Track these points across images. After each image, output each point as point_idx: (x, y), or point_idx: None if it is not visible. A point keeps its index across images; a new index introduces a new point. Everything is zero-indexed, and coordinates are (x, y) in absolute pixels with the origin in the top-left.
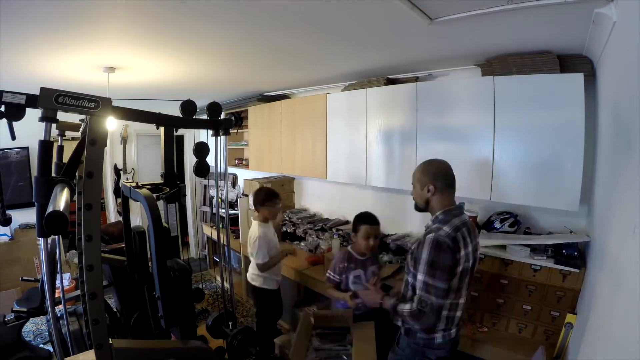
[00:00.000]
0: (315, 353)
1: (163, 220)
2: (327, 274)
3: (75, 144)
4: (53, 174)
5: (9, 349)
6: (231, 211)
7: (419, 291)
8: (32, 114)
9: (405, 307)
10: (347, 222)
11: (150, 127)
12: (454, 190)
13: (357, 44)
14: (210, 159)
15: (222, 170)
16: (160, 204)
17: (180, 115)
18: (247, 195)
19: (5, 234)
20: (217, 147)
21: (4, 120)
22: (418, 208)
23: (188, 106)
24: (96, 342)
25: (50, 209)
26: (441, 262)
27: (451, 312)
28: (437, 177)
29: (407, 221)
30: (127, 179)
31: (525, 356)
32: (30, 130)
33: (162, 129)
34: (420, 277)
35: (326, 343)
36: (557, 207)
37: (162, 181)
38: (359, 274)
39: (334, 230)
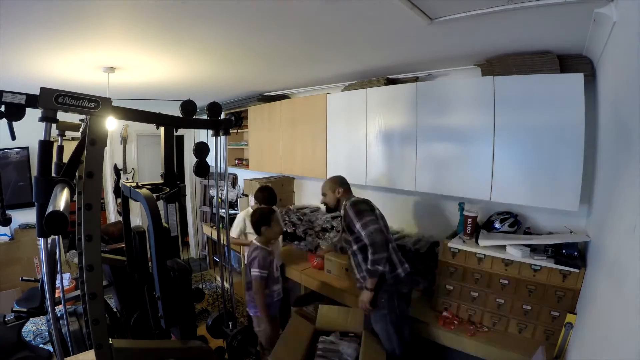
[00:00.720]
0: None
1: (163, 220)
2: (255, 272)
3: (75, 144)
4: (53, 174)
5: (9, 349)
6: (231, 211)
7: (367, 239)
8: (32, 114)
9: (369, 265)
10: None
11: (150, 127)
12: (350, 189)
13: (357, 44)
14: (210, 159)
15: (222, 170)
16: (160, 204)
17: (180, 115)
18: (247, 195)
19: (5, 234)
20: (217, 147)
21: (4, 120)
22: (330, 210)
23: (188, 106)
24: (96, 342)
25: (50, 209)
26: (364, 211)
27: (397, 254)
28: (341, 184)
29: (407, 221)
30: (127, 179)
31: (525, 356)
32: (30, 130)
33: (162, 129)
34: (362, 231)
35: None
36: (557, 207)
37: (162, 181)
38: (276, 262)
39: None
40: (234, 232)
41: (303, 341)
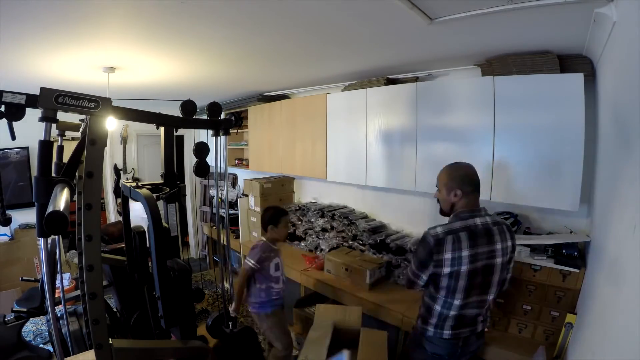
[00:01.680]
0: None
1: (163, 220)
2: (247, 262)
3: (75, 144)
4: (53, 174)
5: (9, 349)
6: (231, 211)
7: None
8: (32, 114)
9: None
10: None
11: (150, 127)
12: (479, 193)
13: (357, 44)
14: (210, 159)
15: (222, 170)
16: (161, 204)
17: (180, 115)
18: (247, 195)
19: (5, 234)
20: (217, 147)
21: (4, 120)
22: (443, 212)
23: (188, 106)
24: (96, 342)
25: (50, 209)
26: (418, 251)
27: (443, 310)
28: (464, 182)
29: (407, 221)
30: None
31: (525, 356)
32: (30, 130)
33: (162, 129)
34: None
35: None
36: (557, 207)
37: (162, 181)
38: (278, 262)
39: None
40: None
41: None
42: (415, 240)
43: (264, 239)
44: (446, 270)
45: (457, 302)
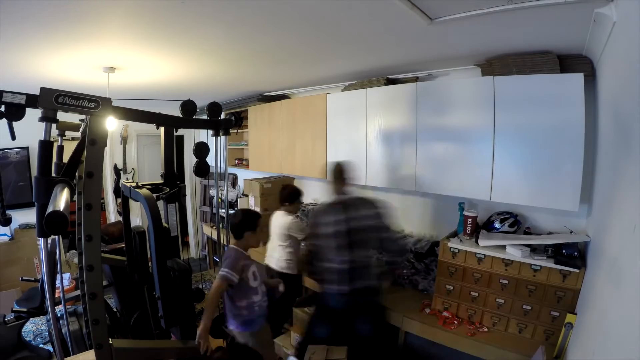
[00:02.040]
0: None
1: (163, 220)
2: (223, 272)
3: (75, 144)
4: (53, 174)
5: (9, 349)
6: (231, 211)
7: None
8: (32, 114)
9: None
10: None
11: (150, 127)
12: (340, 180)
13: (357, 44)
14: (210, 159)
15: (222, 170)
16: (160, 204)
17: (180, 115)
18: (247, 195)
19: (5, 234)
20: (217, 147)
21: (4, 120)
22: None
23: (188, 106)
24: (96, 342)
25: (50, 209)
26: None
27: (329, 265)
28: (330, 174)
29: (407, 221)
30: (127, 179)
31: (525, 356)
32: (30, 130)
33: (162, 129)
34: None
35: None
36: (557, 207)
37: (162, 181)
38: (254, 270)
39: None
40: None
41: None
42: (415, 240)
43: (235, 247)
44: (319, 230)
45: (333, 262)
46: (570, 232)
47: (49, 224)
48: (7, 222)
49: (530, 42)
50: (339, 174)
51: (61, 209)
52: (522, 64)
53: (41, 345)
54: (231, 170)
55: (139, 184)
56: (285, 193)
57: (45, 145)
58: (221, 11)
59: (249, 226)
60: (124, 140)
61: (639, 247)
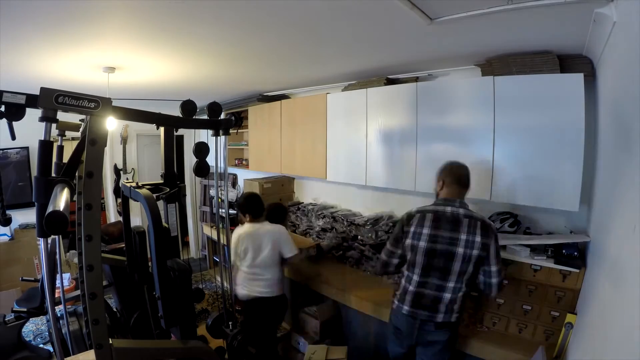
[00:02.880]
0: None
1: (163, 220)
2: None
3: (75, 144)
4: (53, 174)
5: (9, 349)
6: (231, 211)
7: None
8: (32, 114)
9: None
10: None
11: (150, 127)
12: (462, 188)
13: (357, 44)
14: (210, 159)
15: (222, 170)
16: (160, 204)
17: (180, 115)
18: None
19: (5, 234)
20: (217, 147)
21: (4, 120)
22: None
23: (188, 106)
24: (96, 342)
25: (50, 209)
26: (394, 231)
27: (405, 283)
28: (448, 175)
29: None
30: (127, 179)
31: (525, 356)
32: (30, 130)
33: (162, 129)
34: None
35: None
36: (557, 207)
37: (162, 181)
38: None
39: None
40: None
41: None
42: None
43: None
44: (408, 241)
45: (415, 277)
46: (570, 232)
47: (49, 224)
48: (7, 222)
49: (530, 42)
50: (466, 179)
51: (61, 209)
52: (522, 64)
53: (41, 345)
54: (231, 170)
55: (139, 184)
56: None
57: (45, 145)
58: (221, 12)
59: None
60: (124, 140)
61: (639, 247)
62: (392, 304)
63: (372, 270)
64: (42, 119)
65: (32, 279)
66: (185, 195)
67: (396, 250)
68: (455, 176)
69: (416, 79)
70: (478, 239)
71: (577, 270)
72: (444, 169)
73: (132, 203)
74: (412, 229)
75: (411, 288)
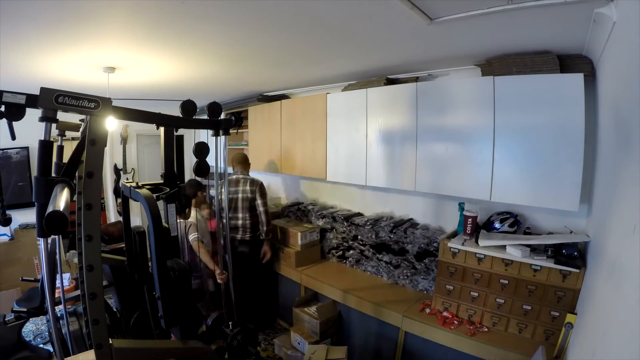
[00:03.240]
0: None
1: (163, 220)
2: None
3: (75, 144)
4: (53, 174)
5: (9, 349)
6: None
7: None
8: (32, 114)
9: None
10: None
11: (150, 127)
12: (241, 164)
13: (357, 44)
14: (210, 159)
15: (222, 170)
16: (160, 204)
17: (180, 115)
18: None
19: (5, 234)
20: (217, 147)
21: (4, 120)
22: None
23: (188, 106)
24: (96, 342)
25: (50, 209)
26: None
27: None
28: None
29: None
30: (127, 179)
31: (525, 356)
32: (30, 130)
33: (162, 129)
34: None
35: None
36: (557, 207)
37: (162, 181)
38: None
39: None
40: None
41: None
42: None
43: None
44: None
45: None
46: (570, 232)
47: (48, 224)
48: (7, 222)
49: (530, 42)
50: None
51: (61, 209)
52: (522, 64)
53: (41, 345)
54: (231, 170)
55: (139, 184)
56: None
57: (45, 145)
58: (221, 11)
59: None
60: (124, 140)
61: (639, 247)
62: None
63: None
64: (42, 119)
65: (32, 279)
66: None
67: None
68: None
69: (416, 79)
70: (248, 187)
71: (577, 270)
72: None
73: (132, 203)
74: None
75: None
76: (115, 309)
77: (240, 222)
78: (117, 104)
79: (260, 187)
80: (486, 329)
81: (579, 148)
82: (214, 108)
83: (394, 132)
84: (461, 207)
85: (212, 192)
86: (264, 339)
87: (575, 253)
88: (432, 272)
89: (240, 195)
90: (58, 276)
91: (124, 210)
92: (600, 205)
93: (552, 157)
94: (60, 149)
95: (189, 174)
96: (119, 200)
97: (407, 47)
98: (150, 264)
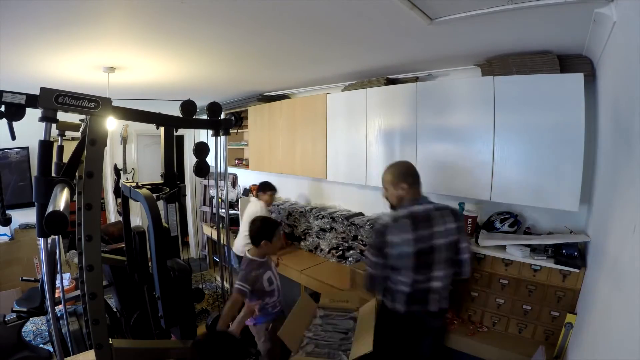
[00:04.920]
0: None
1: (163, 220)
2: (238, 286)
3: (75, 144)
4: (53, 174)
5: (9, 349)
6: (231, 211)
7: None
8: (32, 114)
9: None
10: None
11: (150, 127)
12: (419, 185)
13: (357, 44)
14: (210, 159)
15: (222, 170)
16: (160, 204)
17: (180, 115)
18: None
19: (5, 234)
20: (217, 147)
21: (4, 120)
22: (392, 207)
23: (188, 106)
24: (96, 342)
25: (50, 209)
26: (373, 242)
27: (396, 286)
28: (407, 176)
29: None
30: (127, 179)
31: (525, 356)
32: (30, 130)
33: (162, 129)
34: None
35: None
36: (557, 207)
37: (162, 181)
38: (270, 275)
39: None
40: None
41: (308, 316)
42: None
43: (250, 256)
44: (393, 250)
45: (405, 279)
46: (570, 232)
47: (48, 224)
48: (7, 222)
49: (530, 42)
50: (418, 175)
51: (61, 209)
52: (522, 64)
53: (41, 345)
54: (231, 170)
55: (139, 184)
56: (257, 230)
57: (45, 145)
58: (221, 11)
59: (266, 235)
60: (124, 140)
61: (639, 247)
62: (386, 306)
63: (365, 286)
64: (42, 119)
65: (32, 279)
66: (185, 195)
67: (383, 261)
68: (414, 175)
69: (416, 79)
70: (453, 225)
71: (577, 270)
72: (400, 173)
73: (132, 203)
74: (394, 238)
75: (405, 289)
76: (115, 309)
77: (437, 284)
78: (117, 104)
79: (462, 218)
80: (486, 329)
81: (579, 148)
82: (214, 108)
83: (394, 132)
84: (461, 207)
85: (212, 192)
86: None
87: (575, 253)
88: None
89: (442, 241)
90: (58, 276)
91: (124, 210)
92: (600, 205)
93: (552, 157)
94: (60, 149)
95: (189, 174)
96: (119, 200)
97: (407, 47)
98: (150, 264)
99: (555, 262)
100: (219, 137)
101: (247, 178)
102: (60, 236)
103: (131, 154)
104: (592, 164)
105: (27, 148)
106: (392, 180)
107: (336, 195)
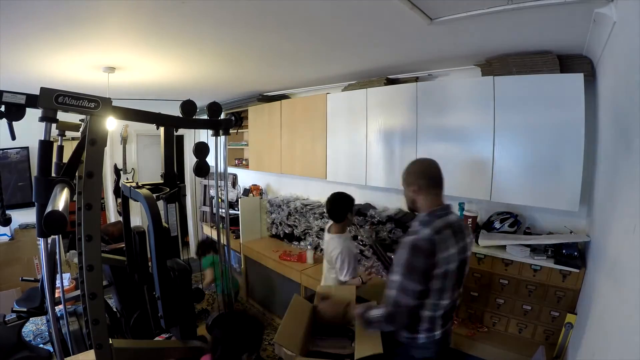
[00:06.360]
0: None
1: (163, 220)
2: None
3: (75, 144)
4: (53, 174)
5: (9, 349)
6: (231, 211)
7: (394, 292)
8: (32, 114)
9: (378, 312)
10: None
11: (150, 127)
12: (440, 190)
13: (357, 44)
14: (210, 159)
15: (222, 170)
16: (160, 204)
17: (180, 115)
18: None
19: (5, 234)
20: (217, 147)
21: (4, 120)
22: (409, 208)
23: (188, 106)
24: (96, 342)
25: (49, 209)
26: (417, 265)
27: (433, 312)
28: (420, 177)
29: None
30: (127, 179)
31: (525, 356)
32: (30, 130)
33: (162, 129)
34: (396, 277)
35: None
36: (557, 207)
37: (162, 181)
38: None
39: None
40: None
41: (304, 317)
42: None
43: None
44: (438, 271)
45: (445, 301)
46: (570, 232)
47: (47, 223)
48: (7, 222)
49: (530, 42)
50: (440, 180)
51: (60, 209)
52: (522, 64)
53: (41, 345)
54: (231, 170)
55: (139, 184)
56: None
57: (45, 145)
58: (221, 12)
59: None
60: (124, 140)
61: (639, 247)
62: (411, 339)
63: (398, 326)
64: (42, 119)
65: (32, 279)
66: (185, 195)
67: (425, 287)
68: (429, 176)
69: (416, 79)
70: (471, 237)
71: (577, 270)
72: (414, 172)
73: (132, 203)
74: (442, 255)
75: (440, 313)
76: (115, 309)
77: (449, 302)
78: (117, 104)
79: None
80: (486, 329)
81: (579, 148)
82: (214, 108)
83: (394, 132)
84: (461, 207)
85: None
86: (264, 339)
87: (575, 253)
88: None
89: (469, 254)
90: (58, 276)
91: (124, 210)
92: (600, 205)
93: (552, 157)
94: (60, 149)
95: (189, 174)
96: (119, 200)
97: (407, 47)
98: (150, 264)
99: (555, 262)
100: (219, 137)
101: (247, 178)
102: (60, 236)
103: (131, 154)
104: (592, 164)
105: (27, 148)
106: (406, 178)
107: None
